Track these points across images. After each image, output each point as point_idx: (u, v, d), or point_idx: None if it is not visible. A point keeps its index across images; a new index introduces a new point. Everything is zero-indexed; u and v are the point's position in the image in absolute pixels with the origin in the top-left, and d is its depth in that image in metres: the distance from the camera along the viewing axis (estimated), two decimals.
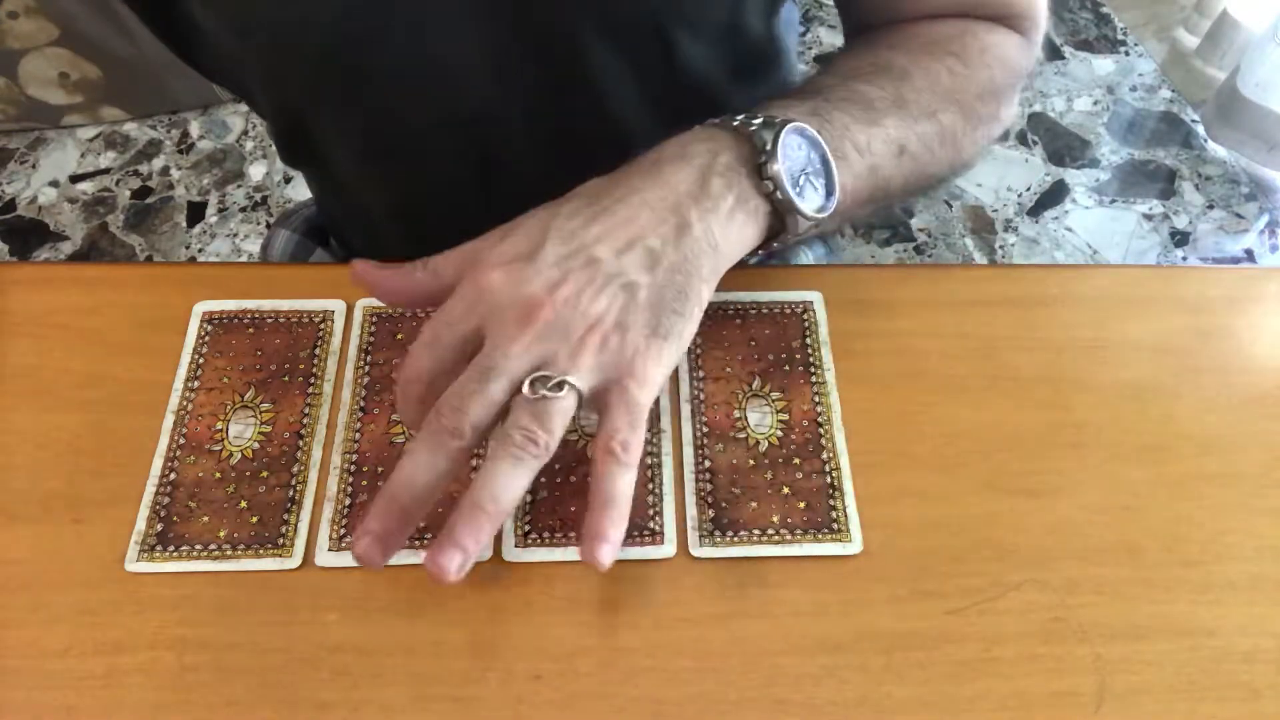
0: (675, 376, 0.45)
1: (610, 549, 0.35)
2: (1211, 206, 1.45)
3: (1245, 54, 1.40)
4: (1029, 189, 1.48)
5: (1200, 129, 1.54)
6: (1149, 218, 1.45)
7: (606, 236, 0.37)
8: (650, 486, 0.42)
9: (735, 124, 0.40)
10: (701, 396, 0.45)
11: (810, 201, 0.40)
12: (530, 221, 0.38)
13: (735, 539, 0.41)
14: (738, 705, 0.37)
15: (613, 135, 0.49)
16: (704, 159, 0.39)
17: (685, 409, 0.44)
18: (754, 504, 0.42)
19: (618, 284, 0.36)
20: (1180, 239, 1.42)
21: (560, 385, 0.35)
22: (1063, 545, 0.41)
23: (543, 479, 0.42)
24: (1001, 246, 1.42)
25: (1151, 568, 0.41)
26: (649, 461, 0.43)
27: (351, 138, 0.54)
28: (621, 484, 0.36)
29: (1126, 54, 1.66)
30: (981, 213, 1.46)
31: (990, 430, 0.44)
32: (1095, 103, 1.59)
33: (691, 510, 0.42)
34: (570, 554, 0.40)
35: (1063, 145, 1.53)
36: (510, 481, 0.35)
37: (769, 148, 0.38)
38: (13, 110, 1.50)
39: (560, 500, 0.42)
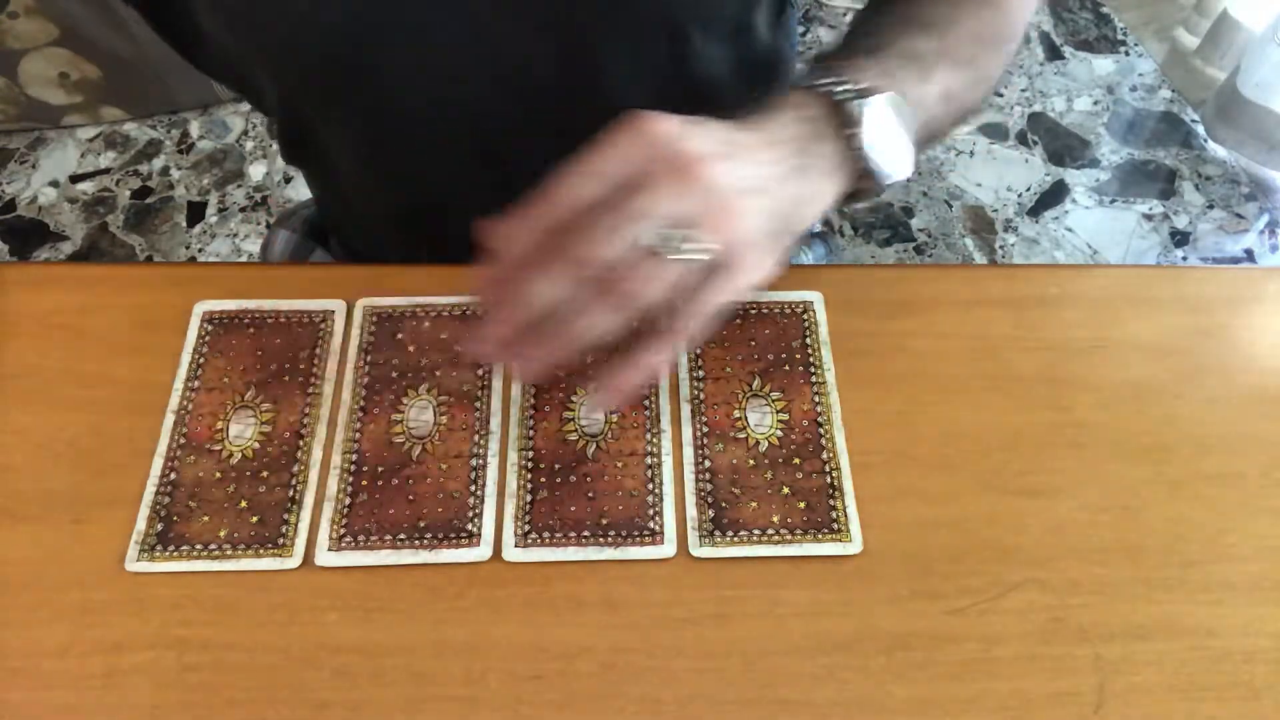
0: (675, 376, 0.45)
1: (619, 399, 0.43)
2: (1211, 206, 1.45)
3: (1245, 54, 1.40)
4: (1029, 189, 1.48)
5: (1200, 129, 1.53)
6: (1149, 218, 1.45)
7: (752, 146, 0.39)
8: (650, 486, 0.42)
9: (826, 92, 0.42)
10: (701, 396, 0.45)
11: (891, 167, 0.42)
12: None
13: (735, 539, 0.41)
14: (738, 705, 0.37)
15: None
16: (806, 126, 0.41)
17: (685, 409, 0.44)
18: (754, 504, 0.42)
19: (759, 180, 0.38)
20: (1180, 239, 1.42)
21: (691, 248, 0.36)
22: (1063, 545, 0.41)
23: (543, 479, 0.42)
24: (1001, 246, 1.42)
25: (1151, 568, 0.41)
26: (649, 461, 0.43)
27: (354, 136, 0.54)
28: (659, 361, 0.38)
29: (1126, 54, 1.66)
30: (981, 213, 1.46)
31: (990, 430, 0.44)
32: (1095, 103, 1.59)
33: (691, 510, 0.42)
34: (570, 554, 0.40)
35: (1063, 145, 1.53)
36: (593, 323, 0.36)
37: (858, 118, 0.41)
38: (13, 110, 1.49)
39: (560, 500, 0.42)
